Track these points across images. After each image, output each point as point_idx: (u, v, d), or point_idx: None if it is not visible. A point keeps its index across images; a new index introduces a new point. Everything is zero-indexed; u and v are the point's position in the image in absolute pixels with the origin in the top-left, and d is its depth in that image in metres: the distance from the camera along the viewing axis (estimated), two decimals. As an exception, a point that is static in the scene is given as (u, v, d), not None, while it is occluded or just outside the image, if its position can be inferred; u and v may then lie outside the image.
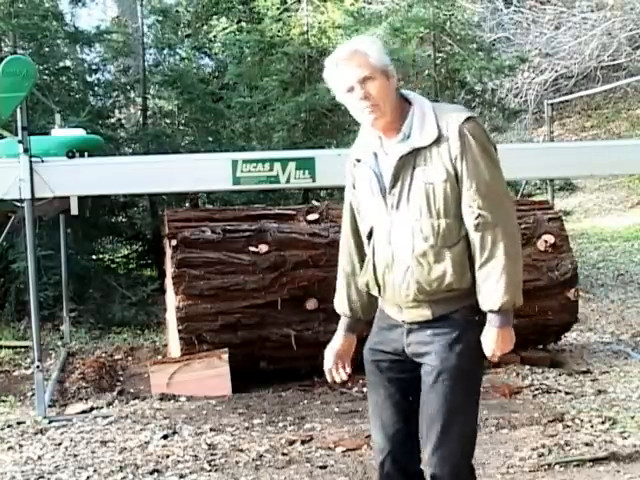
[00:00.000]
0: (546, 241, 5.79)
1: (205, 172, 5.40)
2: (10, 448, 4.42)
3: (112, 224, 9.00)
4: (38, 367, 4.91)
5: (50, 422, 4.80)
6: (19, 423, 4.82)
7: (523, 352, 5.54)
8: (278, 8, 10.46)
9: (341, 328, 2.89)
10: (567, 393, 5.06)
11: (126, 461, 4.15)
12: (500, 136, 11.70)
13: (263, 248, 5.48)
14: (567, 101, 15.59)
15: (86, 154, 5.67)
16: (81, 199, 5.77)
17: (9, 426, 4.77)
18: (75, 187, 5.31)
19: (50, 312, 7.43)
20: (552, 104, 9.21)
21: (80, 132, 6.11)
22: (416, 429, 2.62)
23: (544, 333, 5.77)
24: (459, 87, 10.15)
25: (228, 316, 5.38)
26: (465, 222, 2.51)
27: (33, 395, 5.17)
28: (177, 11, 11.02)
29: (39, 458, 4.25)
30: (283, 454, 4.19)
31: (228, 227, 5.58)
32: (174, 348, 5.60)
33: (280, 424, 4.67)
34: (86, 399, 5.24)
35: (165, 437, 4.47)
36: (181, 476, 3.97)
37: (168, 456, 4.20)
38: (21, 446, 4.45)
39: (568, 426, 4.44)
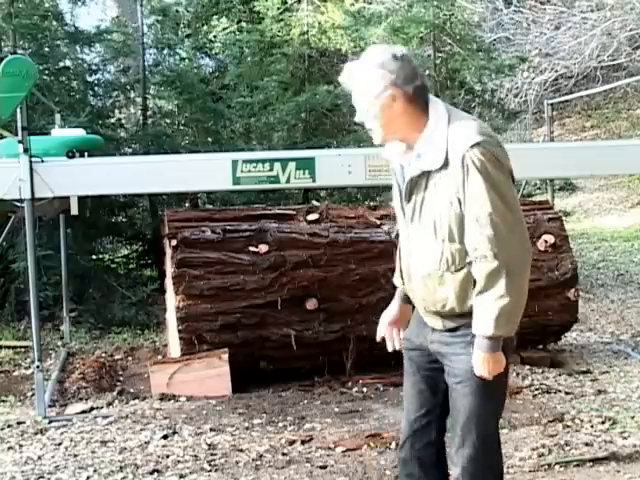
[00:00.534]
0: (546, 241, 5.79)
1: (205, 172, 5.40)
2: (10, 448, 4.42)
3: (112, 224, 8.99)
4: (38, 367, 4.91)
5: (50, 422, 4.79)
6: (19, 423, 4.82)
7: (523, 352, 5.54)
8: (278, 8, 10.45)
9: (397, 297, 2.90)
10: (567, 393, 5.06)
11: (126, 461, 4.15)
12: (500, 136, 11.66)
13: (263, 248, 5.48)
14: (567, 101, 15.58)
15: (86, 154, 5.67)
16: (81, 199, 5.77)
17: (9, 426, 4.77)
18: (75, 187, 5.30)
19: (50, 312, 7.44)
20: (552, 104, 9.21)
21: (80, 132, 6.11)
22: (436, 421, 2.72)
23: (544, 333, 5.77)
24: (459, 87, 10.15)
25: (228, 316, 5.37)
26: (468, 251, 2.50)
27: (33, 395, 5.16)
28: (177, 11, 11.01)
29: (39, 458, 4.25)
30: (283, 454, 4.19)
31: (228, 227, 5.58)
32: (174, 348, 5.60)
33: (280, 424, 4.67)
34: (86, 399, 5.24)
35: (165, 437, 4.47)
36: (181, 476, 3.97)
37: (168, 456, 4.20)
38: (21, 446, 4.45)
39: (568, 426, 4.44)
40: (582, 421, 4.51)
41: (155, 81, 9.56)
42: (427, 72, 9.53)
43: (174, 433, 4.54)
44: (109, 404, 5.14)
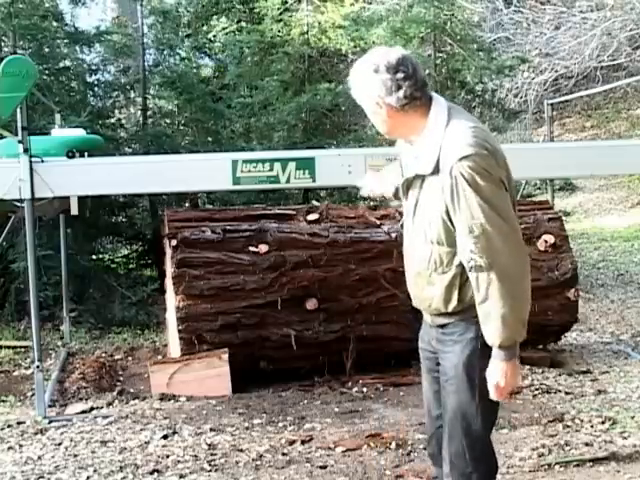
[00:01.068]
0: (546, 241, 5.79)
1: (205, 172, 5.40)
2: (10, 448, 4.42)
3: (112, 224, 8.99)
4: (38, 367, 4.91)
5: (50, 422, 4.79)
6: (19, 423, 4.82)
7: (523, 352, 5.51)
8: (278, 8, 10.45)
9: None
10: (567, 393, 5.06)
11: (126, 461, 4.15)
12: (500, 136, 11.71)
13: (263, 248, 5.48)
14: (567, 101, 15.58)
15: (86, 154, 5.67)
16: (81, 199, 5.77)
17: (9, 426, 4.77)
18: (75, 187, 5.30)
19: (50, 312, 7.44)
20: (552, 104, 9.21)
21: (80, 132, 6.11)
22: None
23: (544, 333, 5.77)
24: (459, 87, 10.15)
25: (228, 316, 5.37)
26: (461, 261, 2.51)
27: (33, 395, 5.16)
28: (177, 11, 11.01)
29: (39, 458, 4.25)
30: (283, 454, 4.19)
31: (228, 227, 5.58)
32: (174, 348, 5.60)
33: (280, 424, 4.67)
34: (86, 399, 5.24)
35: (165, 437, 4.47)
36: (181, 476, 3.97)
37: (168, 456, 4.20)
38: (21, 446, 4.45)
39: (568, 426, 4.44)
40: (582, 421, 4.51)
41: (155, 81, 9.56)
42: (427, 72, 9.53)
43: (174, 433, 4.54)
44: (109, 404, 5.14)
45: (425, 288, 2.63)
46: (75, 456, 4.26)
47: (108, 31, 9.30)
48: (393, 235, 5.51)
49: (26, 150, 4.90)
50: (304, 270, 5.46)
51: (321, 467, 4.01)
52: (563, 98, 13.30)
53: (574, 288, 5.85)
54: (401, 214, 2.91)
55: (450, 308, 2.59)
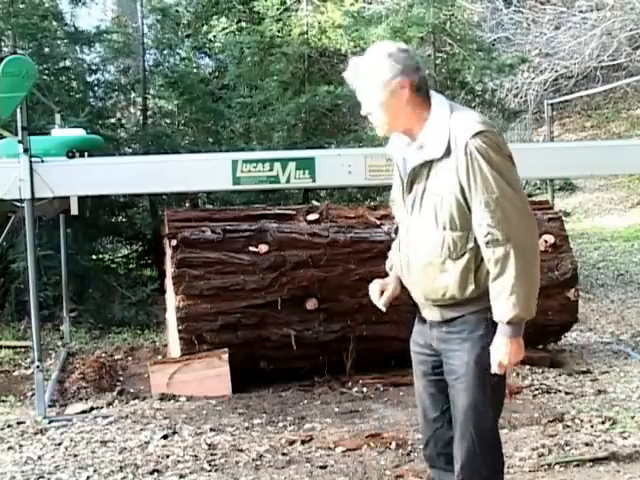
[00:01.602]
0: (546, 241, 5.79)
1: (205, 172, 5.40)
2: (10, 448, 4.42)
3: (112, 224, 9.00)
4: (38, 367, 4.91)
5: (50, 422, 4.79)
6: (19, 423, 4.82)
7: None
8: (278, 8, 10.44)
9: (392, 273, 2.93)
10: (567, 393, 5.06)
11: (126, 461, 4.15)
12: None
13: (263, 248, 5.48)
14: (567, 101, 15.59)
15: (86, 154, 5.67)
16: (81, 199, 5.77)
17: (9, 426, 4.77)
18: (75, 187, 5.30)
19: (50, 312, 7.44)
20: (552, 104, 9.22)
21: (80, 132, 6.11)
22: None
23: (544, 333, 5.77)
24: (459, 87, 10.14)
25: (228, 316, 5.37)
26: (477, 238, 2.54)
27: (33, 395, 5.16)
28: (177, 11, 11.00)
29: (39, 458, 4.25)
30: (283, 454, 4.19)
31: (228, 227, 5.58)
32: (174, 348, 5.60)
33: (280, 424, 4.67)
34: (86, 399, 5.24)
35: (165, 437, 4.47)
36: (181, 476, 3.97)
37: (168, 456, 4.20)
38: (21, 446, 4.45)
39: (568, 426, 4.44)
40: (582, 421, 4.51)
41: (155, 81, 9.56)
42: (427, 72, 9.51)
43: (174, 433, 4.54)
44: (109, 404, 5.14)
45: (438, 277, 2.59)
46: (75, 456, 4.26)
47: (108, 31, 9.31)
48: (393, 235, 5.50)
49: (26, 150, 4.90)
50: (304, 270, 5.46)
51: (321, 467, 4.01)
52: (563, 98, 13.31)
53: (574, 288, 5.85)
54: None
55: (467, 293, 2.57)
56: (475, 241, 2.55)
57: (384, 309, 2.85)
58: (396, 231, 2.81)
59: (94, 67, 9.36)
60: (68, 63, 9.19)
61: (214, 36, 11.60)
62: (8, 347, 6.72)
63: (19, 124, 4.89)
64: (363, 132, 9.70)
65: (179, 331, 5.34)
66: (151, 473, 4.00)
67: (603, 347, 6.32)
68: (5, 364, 6.35)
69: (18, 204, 5.09)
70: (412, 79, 2.57)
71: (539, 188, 12.45)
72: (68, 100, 8.48)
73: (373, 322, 5.47)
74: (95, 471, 4.04)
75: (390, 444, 4.22)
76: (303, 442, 4.34)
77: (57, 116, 6.99)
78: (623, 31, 16.36)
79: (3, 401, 5.34)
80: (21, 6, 8.47)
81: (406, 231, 2.70)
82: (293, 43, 9.92)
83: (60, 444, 4.45)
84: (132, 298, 7.73)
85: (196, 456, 4.19)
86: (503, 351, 2.53)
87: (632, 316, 7.37)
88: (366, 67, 2.59)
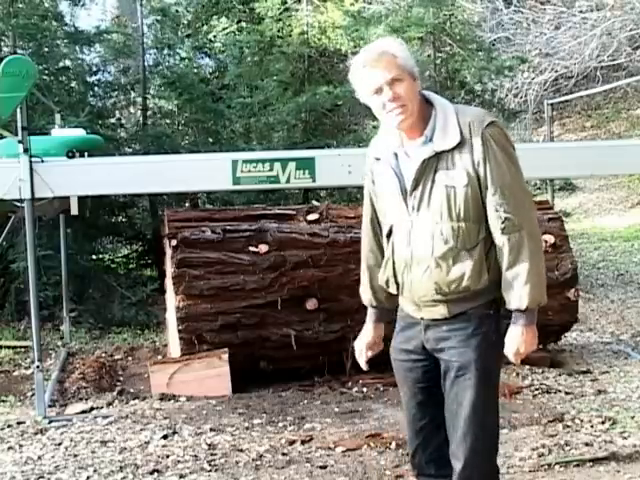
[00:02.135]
0: (546, 241, 5.79)
1: (205, 172, 5.40)
2: (10, 448, 4.42)
3: (112, 224, 9.00)
4: (38, 367, 4.91)
5: (50, 422, 4.79)
6: (19, 423, 4.82)
7: (523, 352, 5.53)
8: (278, 8, 10.45)
9: (370, 320, 2.93)
10: (567, 393, 5.06)
11: (126, 461, 4.15)
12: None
13: (263, 248, 5.48)
14: (567, 101, 15.59)
15: (86, 154, 5.67)
16: (81, 199, 5.77)
17: (9, 426, 4.77)
18: (75, 187, 5.30)
19: (50, 312, 7.44)
20: (552, 104, 9.23)
21: (80, 132, 6.11)
22: (443, 421, 2.70)
23: (544, 333, 5.72)
24: (459, 87, 10.15)
25: (228, 316, 5.37)
26: (491, 225, 2.57)
27: (33, 395, 5.16)
28: (177, 11, 11.01)
29: (39, 458, 4.25)
30: (283, 454, 4.19)
31: (228, 227, 5.58)
32: (174, 348, 5.60)
33: (280, 424, 4.67)
34: (86, 399, 5.24)
35: (165, 437, 4.47)
36: (181, 476, 3.97)
37: (168, 456, 4.20)
38: (21, 446, 4.45)
39: (568, 426, 4.44)
40: (582, 421, 4.51)
41: (155, 81, 9.56)
42: (427, 72, 9.54)
43: (174, 433, 4.54)
44: (109, 404, 5.14)
45: (452, 269, 2.57)
46: (75, 456, 4.26)
47: (108, 31, 9.32)
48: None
49: (26, 150, 4.90)
50: (304, 270, 5.46)
51: (321, 467, 4.01)
52: (563, 98, 13.31)
53: (574, 288, 5.85)
54: None
55: (482, 282, 2.57)
56: (485, 231, 2.57)
57: (366, 368, 2.90)
58: (388, 235, 2.75)
59: (94, 67, 9.37)
60: (68, 63, 9.19)
61: (214, 36, 11.61)
62: (8, 347, 6.73)
63: (19, 124, 4.89)
64: (363, 132, 9.71)
65: (179, 331, 5.34)
66: (151, 473, 4.00)
67: (603, 347, 6.32)
68: (5, 364, 6.35)
69: (18, 204, 5.09)
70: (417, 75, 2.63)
71: (539, 188, 12.44)
72: (68, 100, 8.48)
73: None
74: (95, 471, 4.04)
75: (390, 444, 4.22)
76: (303, 442, 4.34)
77: (57, 116, 6.99)
78: (623, 31, 16.36)
79: (3, 401, 5.35)
80: (21, 6, 8.48)
81: (407, 230, 2.65)
82: (293, 43, 9.93)
83: (60, 444, 4.45)
84: (132, 298, 7.74)
85: (196, 456, 4.19)
86: (520, 340, 2.57)
87: (632, 316, 7.38)
88: (393, 48, 2.58)
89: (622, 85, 16.01)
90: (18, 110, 4.87)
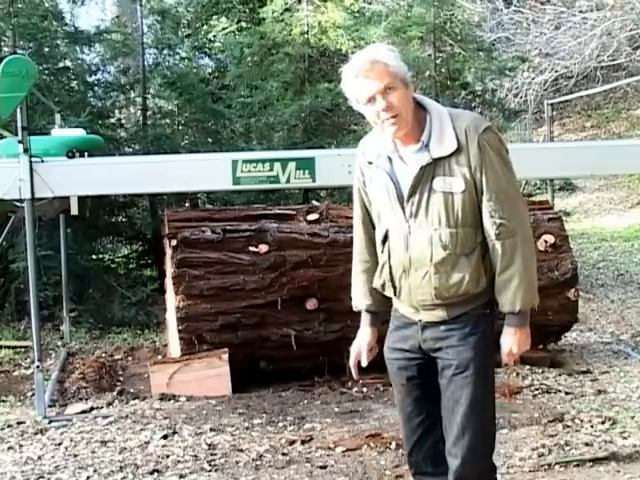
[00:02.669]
0: (546, 241, 5.79)
1: (205, 172, 5.40)
2: (10, 448, 4.42)
3: (112, 224, 9.00)
4: (38, 367, 4.91)
5: (50, 422, 4.79)
6: (19, 423, 4.82)
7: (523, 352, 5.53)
8: (280, 12, 10.45)
9: (364, 324, 2.92)
10: (567, 393, 5.06)
11: (126, 461, 4.15)
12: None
13: (263, 248, 5.48)
14: (567, 101, 15.58)
15: (86, 154, 5.67)
16: (81, 199, 5.77)
17: (9, 426, 4.77)
18: (75, 187, 5.30)
19: (50, 312, 7.44)
20: (552, 104, 9.23)
21: (80, 132, 6.11)
22: (439, 418, 2.71)
23: (544, 333, 5.76)
24: (459, 87, 10.15)
25: (228, 316, 5.37)
26: (486, 230, 2.59)
27: (33, 395, 5.17)
28: (177, 11, 11.01)
29: (39, 458, 4.25)
30: (283, 454, 4.19)
31: (228, 227, 5.58)
32: (174, 348, 5.60)
33: (280, 424, 4.67)
34: (86, 399, 5.24)
35: (165, 437, 4.47)
36: (181, 476, 3.97)
37: (168, 456, 4.20)
38: (21, 446, 4.45)
39: (568, 426, 4.44)
40: (582, 421, 4.51)
41: (155, 81, 9.55)
42: (427, 72, 9.54)
43: (174, 433, 4.54)
44: (109, 404, 5.14)
45: (451, 274, 2.59)
46: (75, 456, 4.26)
47: (108, 31, 9.31)
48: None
49: (26, 150, 4.90)
50: (304, 270, 5.46)
51: (321, 467, 4.01)
52: (563, 98, 13.31)
53: (574, 288, 5.85)
54: None
55: (480, 285, 2.60)
56: (482, 234, 2.60)
57: (357, 377, 2.90)
58: (384, 241, 2.72)
59: (94, 67, 9.36)
60: (68, 63, 9.19)
61: (214, 36, 11.62)
62: (8, 347, 6.73)
63: (19, 124, 4.90)
64: (363, 132, 9.68)
65: (179, 331, 5.34)
66: (151, 473, 4.00)
67: (603, 347, 6.32)
68: (5, 364, 6.35)
69: (18, 204, 5.10)
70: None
71: (539, 188, 12.45)
72: (68, 100, 8.48)
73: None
74: (95, 471, 4.04)
75: (390, 444, 4.22)
76: (303, 442, 4.34)
77: (57, 116, 6.99)
78: (623, 31, 16.35)
79: (3, 401, 5.35)
80: (21, 6, 8.47)
81: (405, 235, 2.63)
82: (294, 43, 9.93)
83: (60, 444, 4.45)
84: (132, 298, 7.74)
85: (196, 456, 4.19)
86: (513, 340, 2.61)
87: (632, 316, 7.37)
88: (386, 52, 2.56)
89: (622, 85, 16.00)
90: (18, 110, 4.87)
